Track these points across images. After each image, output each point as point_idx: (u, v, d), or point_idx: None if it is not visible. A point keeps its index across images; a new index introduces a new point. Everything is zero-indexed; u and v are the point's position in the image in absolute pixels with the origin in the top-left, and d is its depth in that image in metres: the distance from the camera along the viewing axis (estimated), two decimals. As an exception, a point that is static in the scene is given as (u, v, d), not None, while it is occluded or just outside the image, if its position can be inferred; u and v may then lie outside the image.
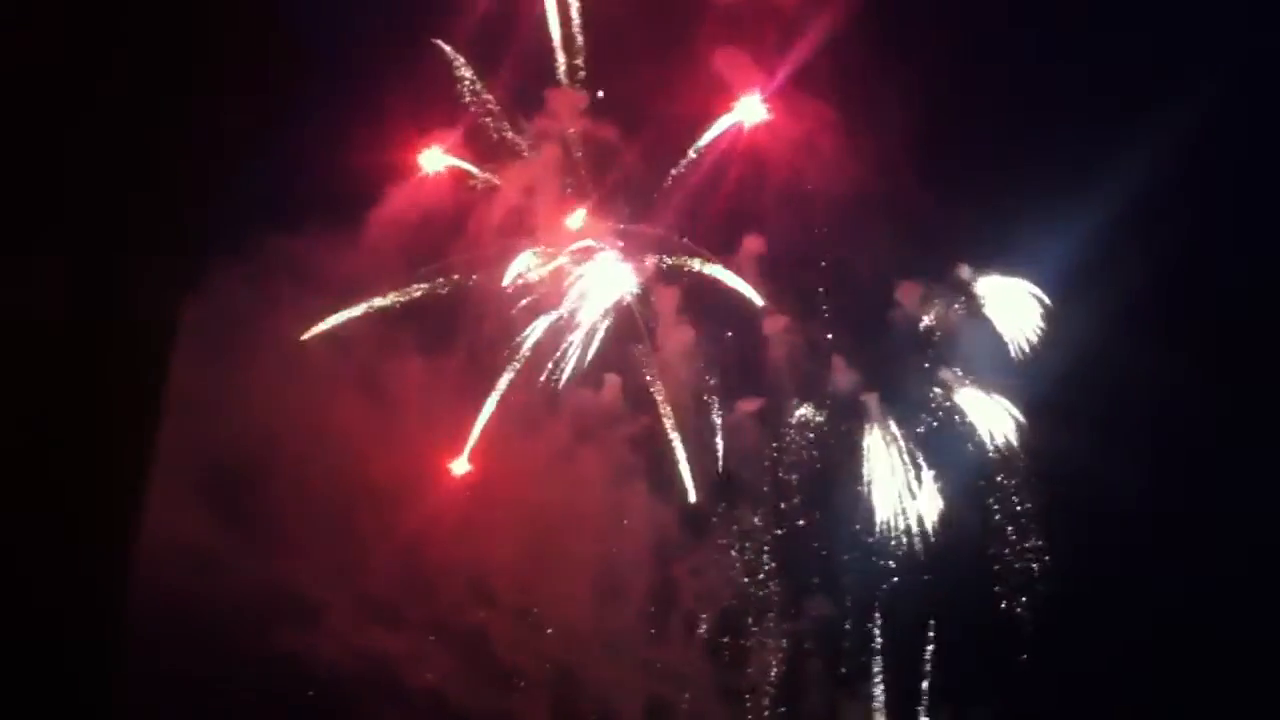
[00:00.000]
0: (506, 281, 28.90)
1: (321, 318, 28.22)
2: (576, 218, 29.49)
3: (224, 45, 8.29)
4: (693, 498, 29.49)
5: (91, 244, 7.52)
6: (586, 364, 29.37)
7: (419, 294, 28.88)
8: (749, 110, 29.46)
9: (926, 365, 30.50)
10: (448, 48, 29.27)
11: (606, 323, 29.63)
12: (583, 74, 29.46)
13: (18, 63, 7.25)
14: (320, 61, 9.56)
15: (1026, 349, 29.91)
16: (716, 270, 30.02)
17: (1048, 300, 29.86)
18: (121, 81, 7.66)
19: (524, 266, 28.99)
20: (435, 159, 29.18)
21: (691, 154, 29.70)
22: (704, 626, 29.81)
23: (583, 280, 29.52)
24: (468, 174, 29.42)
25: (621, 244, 29.88)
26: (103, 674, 8.05)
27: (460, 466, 28.60)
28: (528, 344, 29.08)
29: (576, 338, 29.33)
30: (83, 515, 7.86)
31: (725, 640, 29.86)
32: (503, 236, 29.50)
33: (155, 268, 7.91)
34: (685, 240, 30.14)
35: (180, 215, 8.11)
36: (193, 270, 8.31)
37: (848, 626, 29.87)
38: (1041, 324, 29.83)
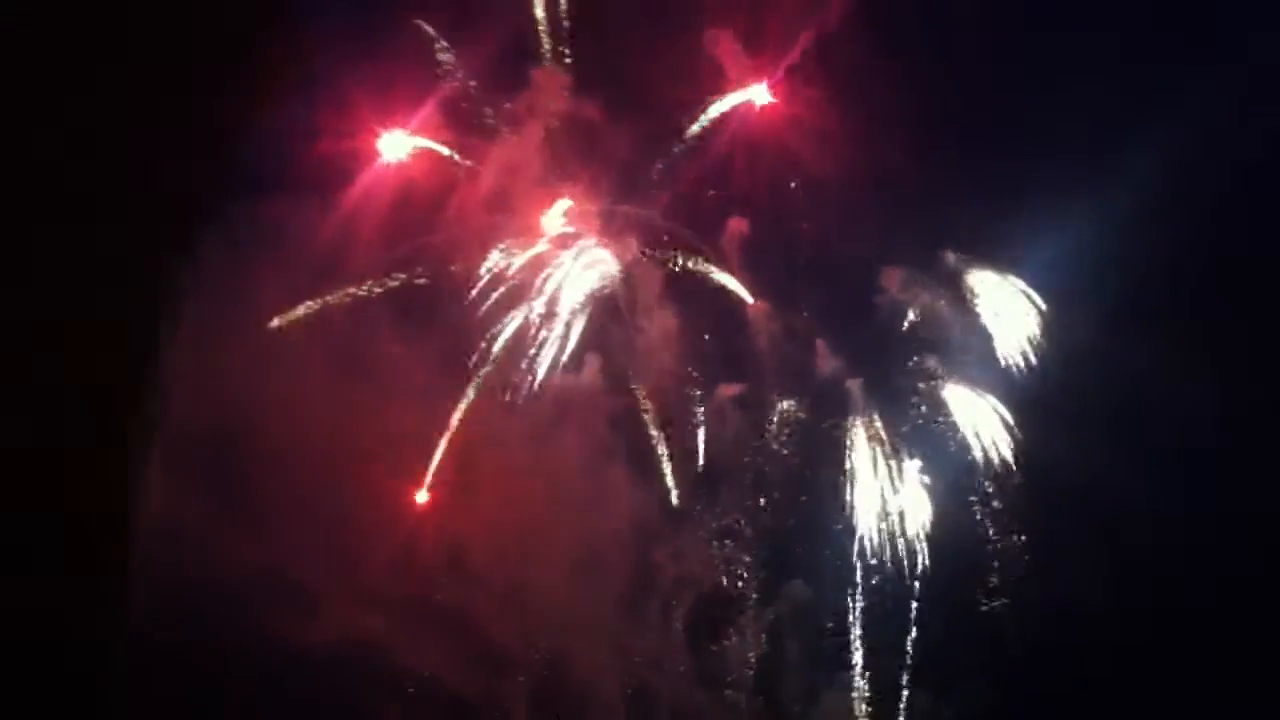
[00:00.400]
0: (484, 270, 28.66)
1: (299, 303, 27.93)
2: (558, 204, 29.25)
3: (221, 41, 8.17)
4: (676, 500, 29.48)
5: (92, 242, 7.42)
6: (567, 354, 29.20)
7: (396, 284, 28.56)
8: (751, 95, 29.29)
9: (914, 358, 30.46)
10: (429, 28, 28.93)
11: (587, 310, 29.44)
12: (566, 54, 29.20)
13: (18, 62, 7.12)
14: (316, 51, 9.40)
15: (1011, 341, 29.97)
16: (700, 260, 29.92)
17: (1033, 293, 29.91)
18: (121, 81, 7.54)
19: (503, 257, 28.77)
20: (413, 143, 28.83)
21: (681, 141, 29.56)
22: (684, 614, 29.83)
23: (564, 266, 29.31)
24: (449, 156, 29.13)
25: (604, 226, 29.71)
26: (103, 673, 8.00)
27: (422, 496, 28.48)
28: (506, 333, 28.87)
29: (557, 325, 29.15)
30: (83, 515, 7.78)
31: (706, 627, 29.90)
32: (484, 217, 29.27)
33: (154, 266, 7.82)
34: (669, 223, 30.03)
35: (178, 214, 8.01)
36: (190, 268, 8.20)
37: (830, 625, 29.94)
38: (1027, 317, 29.88)
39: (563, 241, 29.33)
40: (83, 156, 7.44)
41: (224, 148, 8.78)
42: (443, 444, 28.28)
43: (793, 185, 29.65)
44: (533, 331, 28.90)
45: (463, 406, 28.42)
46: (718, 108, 29.41)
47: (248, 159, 9.69)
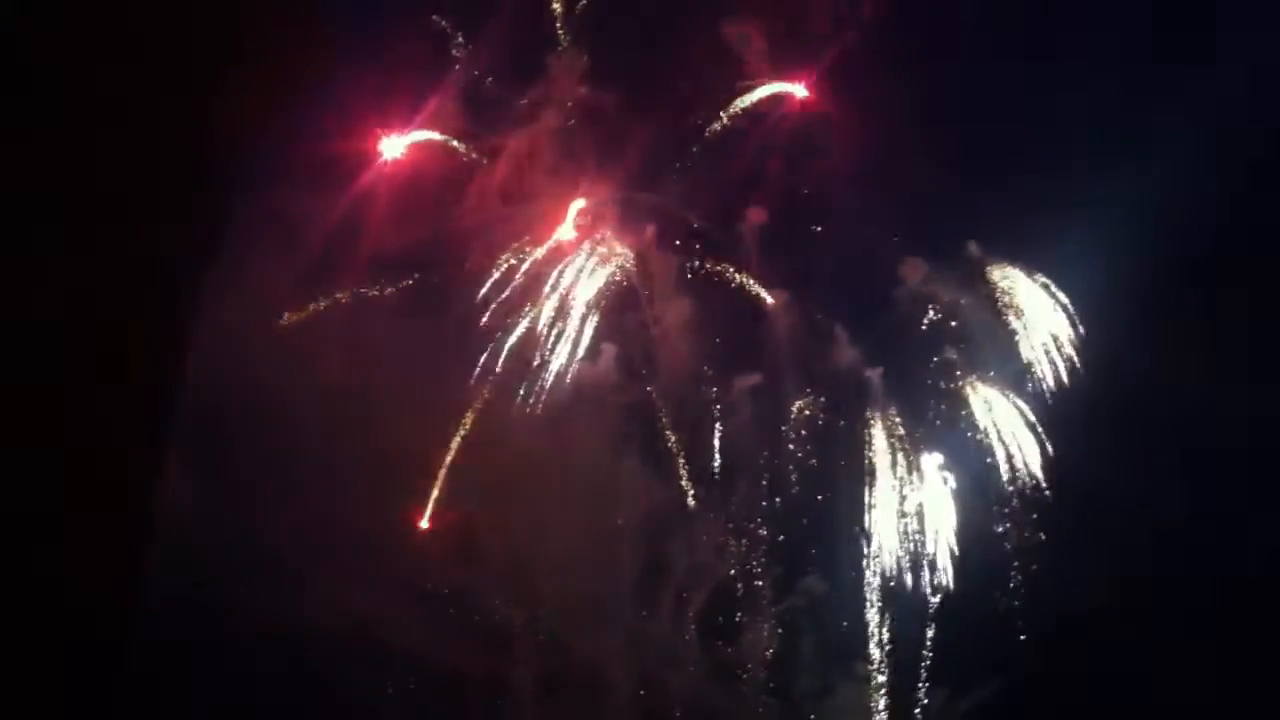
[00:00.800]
0: (500, 263, 28.57)
1: (313, 300, 27.97)
2: (574, 203, 29.08)
3: (238, 36, 8.13)
4: (691, 497, 29.40)
5: (100, 242, 7.42)
6: (582, 347, 29.08)
7: (410, 282, 28.51)
8: (787, 90, 29.08)
9: (934, 354, 30.24)
10: (442, 21, 28.73)
11: (602, 302, 29.27)
12: (584, 42, 29.04)
13: (20, 61, 7.10)
14: (333, 46, 9.32)
15: (1032, 338, 29.75)
16: (718, 251, 29.78)
17: (1055, 288, 29.69)
18: (127, 78, 7.51)
19: (519, 250, 28.68)
20: (427, 137, 28.66)
21: (701, 132, 29.38)
22: (698, 609, 29.82)
23: (580, 258, 29.17)
24: (465, 150, 29.02)
25: (621, 217, 29.54)
26: (110, 669, 8.03)
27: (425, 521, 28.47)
28: (521, 326, 28.79)
29: (573, 317, 29.03)
30: (97, 511, 7.80)
31: (720, 622, 29.87)
32: (500, 209, 29.18)
33: (167, 266, 7.81)
34: (687, 214, 29.85)
35: (192, 214, 8.00)
36: (204, 268, 8.19)
37: (845, 622, 29.88)
38: (1048, 313, 29.66)
39: (579, 233, 29.21)
40: (88, 156, 7.42)
41: (237, 146, 8.72)
42: (457, 438, 28.33)
43: (812, 178, 29.56)
44: (548, 323, 28.84)
45: (477, 400, 28.43)
46: (741, 100, 29.29)
47: (261, 157, 9.66)
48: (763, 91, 29.17)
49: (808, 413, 30.06)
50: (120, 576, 7.95)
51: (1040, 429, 29.16)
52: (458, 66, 28.72)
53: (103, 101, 7.45)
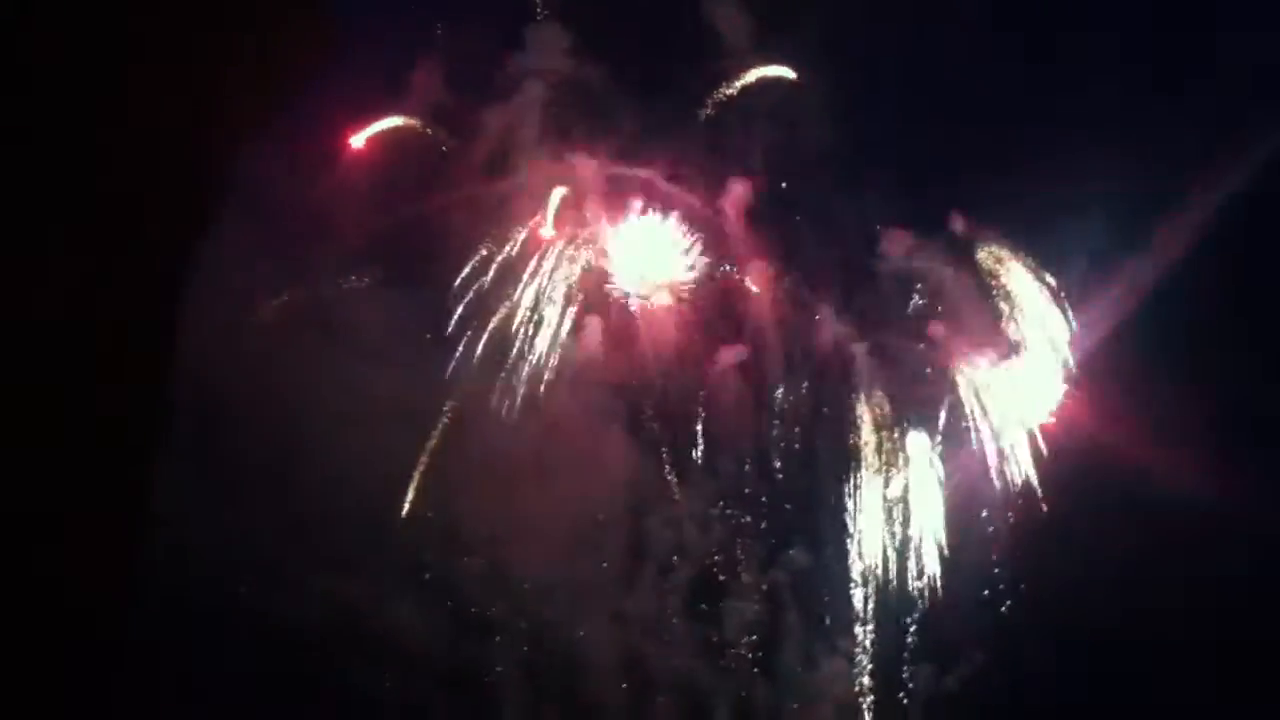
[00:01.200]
0: (483, 244, 28.51)
1: (298, 293, 27.96)
2: (556, 191, 29.03)
3: (238, 36, 8.14)
4: (676, 482, 29.37)
5: (96, 241, 7.43)
6: (565, 327, 29.02)
7: (397, 273, 28.48)
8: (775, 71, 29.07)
9: (922, 329, 30.20)
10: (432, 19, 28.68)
11: (584, 285, 29.21)
12: (568, 15, 28.99)
13: (20, 60, 7.09)
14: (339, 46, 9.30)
15: (1020, 315, 29.77)
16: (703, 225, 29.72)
17: (1051, 278, 29.69)
18: (127, 78, 7.51)
19: (503, 229, 28.65)
20: (408, 122, 28.59)
21: (690, 106, 29.31)
22: (682, 589, 29.79)
23: (563, 239, 29.12)
24: (447, 133, 29.01)
25: (606, 191, 29.45)
26: (108, 674, 8.02)
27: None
28: (503, 307, 28.73)
29: (556, 296, 28.97)
30: (90, 514, 7.79)
31: (705, 601, 29.88)
32: (484, 187, 29.10)
33: (159, 265, 7.83)
34: (673, 188, 29.76)
35: (193, 212, 8.01)
36: (206, 265, 8.21)
37: (832, 605, 29.86)
38: (1038, 293, 29.68)
39: (561, 220, 29.16)
40: (88, 156, 7.42)
41: (237, 146, 8.73)
42: (441, 421, 28.30)
43: (801, 156, 29.56)
44: (530, 307, 28.79)
45: (464, 384, 28.43)
46: (732, 78, 29.27)
47: (261, 157, 9.67)
48: (753, 71, 29.19)
49: (792, 397, 30.08)
50: (120, 576, 7.97)
51: (1028, 406, 29.20)
52: (442, 52, 28.68)
53: (103, 101, 7.47)
